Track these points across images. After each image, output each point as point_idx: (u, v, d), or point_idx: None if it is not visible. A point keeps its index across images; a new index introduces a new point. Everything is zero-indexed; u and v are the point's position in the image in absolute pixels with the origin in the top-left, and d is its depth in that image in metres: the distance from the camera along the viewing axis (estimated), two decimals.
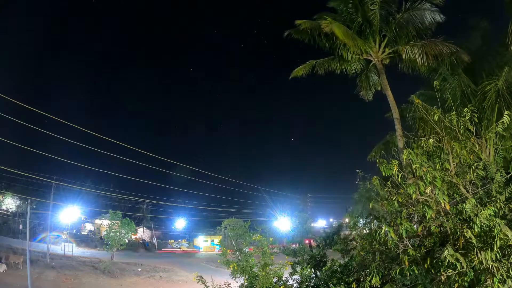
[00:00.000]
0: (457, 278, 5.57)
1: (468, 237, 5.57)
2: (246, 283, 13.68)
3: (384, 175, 6.66)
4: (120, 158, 33.45)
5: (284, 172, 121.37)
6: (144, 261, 44.79)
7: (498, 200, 5.94)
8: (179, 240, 71.89)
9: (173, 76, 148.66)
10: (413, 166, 6.32)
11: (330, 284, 10.93)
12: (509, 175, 6.45)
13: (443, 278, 5.69)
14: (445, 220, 6.14)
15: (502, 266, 5.33)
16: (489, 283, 5.31)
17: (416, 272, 6.20)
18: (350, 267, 10.49)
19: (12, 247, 38.09)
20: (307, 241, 18.68)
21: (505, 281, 5.28)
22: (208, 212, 64.72)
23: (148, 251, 60.79)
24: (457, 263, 5.47)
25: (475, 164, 6.46)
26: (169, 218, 77.26)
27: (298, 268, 14.19)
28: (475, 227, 5.55)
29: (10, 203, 55.23)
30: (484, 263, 5.32)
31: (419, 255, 6.21)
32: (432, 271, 6.04)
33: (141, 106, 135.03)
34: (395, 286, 6.81)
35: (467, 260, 5.51)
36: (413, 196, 6.22)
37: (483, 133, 9.46)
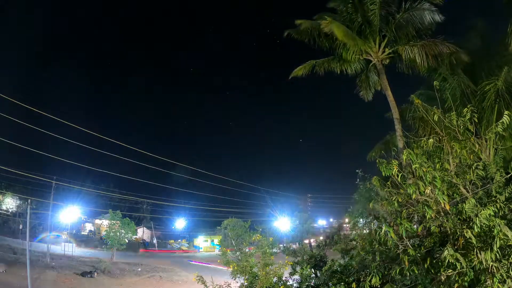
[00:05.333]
0: (457, 278, 5.57)
1: (468, 237, 5.57)
2: (246, 283, 13.67)
3: (384, 175, 6.65)
4: (120, 158, 33.45)
5: (284, 172, 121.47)
6: (144, 261, 44.80)
7: (498, 200, 5.94)
8: (179, 240, 71.93)
9: (174, 75, 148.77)
10: (413, 166, 6.31)
11: (330, 284, 10.93)
12: (509, 175, 6.45)
13: (443, 278, 5.69)
14: (445, 220, 6.14)
15: (502, 266, 5.33)
16: (489, 283, 5.31)
17: (416, 272, 6.20)
18: (350, 267, 10.49)
19: (12, 247, 38.09)
20: (306, 241, 18.70)
21: (505, 281, 5.28)
22: (208, 212, 64.79)
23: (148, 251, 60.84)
24: (457, 263, 5.47)
25: (475, 164, 6.46)
26: (169, 218, 77.34)
27: (298, 268, 14.18)
28: (475, 227, 5.55)
29: (10, 203, 55.22)
30: (484, 263, 5.32)
31: (419, 255, 6.21)
32: (432, 271, 6.04)
33: (142, 106, 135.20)
34: (395, 286, 6.80)
35: (467, 260, 5.52)
36: (413, 196, 6.22)
37: (483, 133, 9.48)
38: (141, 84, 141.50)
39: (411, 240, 6.51)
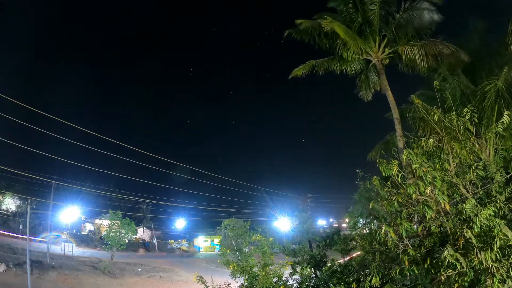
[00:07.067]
0: (457, 278, 5.57)
1: (468, 237, 5.57)
2: (246, 283, 13.67)
3: (384, 175, 6.65)
4: (120, 158, 33.43)
5: (284, 172, 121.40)
6: (144, 261, 44.81)
7: (498, 200, 5.94)
8: (179, 240, 71.94)
9: (174, 75, 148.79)
10: (413, 166, 6.31)
11: (330, 284, 10.94)
12: (509, 175, 6.45)
13: (443, 278, 5.68)
14: (445, 220, 6.14)
15: (502, 266, 5.33)
16: (489, 283, 5.30)
17: (416, 272, 6.20)
18: (350, 267, 10.49)
19: (12, 247, 38.09)
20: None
21: (505, 281, 5.28)
22: (208, 212, 64.74)
23: (148, 251, 60.86)
24: (457, 263, 5.46)
25: (475, 164, 6.46)
26: (169, 218, 77.37)
27: (298, 268, 14.18)
28: (475, 227, 5.55)
29: (10, 203, 55.21)
30: (484, 263, 5.32)
31: (419, 255, 6.20)
32: (432, 271, 6.04)
33: (142, 106, 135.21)
34: (395, 286, 6.80)
35: (467, 260, 5.51)
36: (413, 196, 6.21)
37: (483, 133, 9.47)
38: (141, 83, 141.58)
39: (411, 240, 6.50)
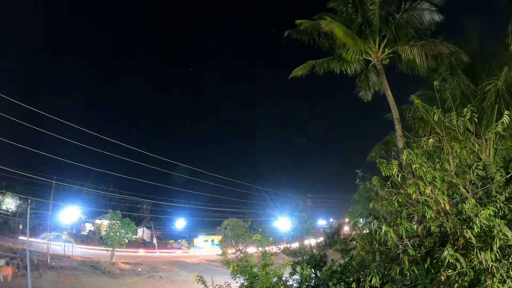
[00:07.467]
0: (457, 278, 5.57)
1: (468, 237, 5.57)
2: (246, 283, 13.66)
3: (384, 175, 6.65)
4: (120, 158, 33.46)
5: (284, 172, 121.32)
6: (144, 261, 44.80)
7: (498, 200, 5.94)
8: (179, 240, 71.94)
9: (174, 75, 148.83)
10: (413, 166, 6.31)
11: (330, 284, 10.94)
12: (509, 175, 6.45)
13: (443, 278, 5.69)
14: (445, 220, 6.14)
15: (502, 266, 5.33)
16: (489, 283, 5.30)
17: (416, 272, 6.20)
18: (350, 267, 10.49)
19: (12, 247, 38.10)
20: (306, 241, 18.72)
21: (505, 281, 5.28)
22: (208, 212, 64.82)
23: (148, 251, 60.84)
24: (457, 263, 5.46)
25: (475, 164, 6.46)
26: (169, 218, 77.45)
27: (298, 268, 14.17)
28: (475, 227, 5.55)
29: (10, 203, 55.23)
30: (484, 263, 5.32)
31: (419, 255, 6.21)
32: (432, 271, 6.04)
33: (142, 106, 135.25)
34: (395, 286, 6.80)
35: (467, 260, 5.51)
36: (413, 196, 6.21)
37: (483, 133, 9.49)
38: (141, 83, 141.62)
39: (411, 240, 6.51)
